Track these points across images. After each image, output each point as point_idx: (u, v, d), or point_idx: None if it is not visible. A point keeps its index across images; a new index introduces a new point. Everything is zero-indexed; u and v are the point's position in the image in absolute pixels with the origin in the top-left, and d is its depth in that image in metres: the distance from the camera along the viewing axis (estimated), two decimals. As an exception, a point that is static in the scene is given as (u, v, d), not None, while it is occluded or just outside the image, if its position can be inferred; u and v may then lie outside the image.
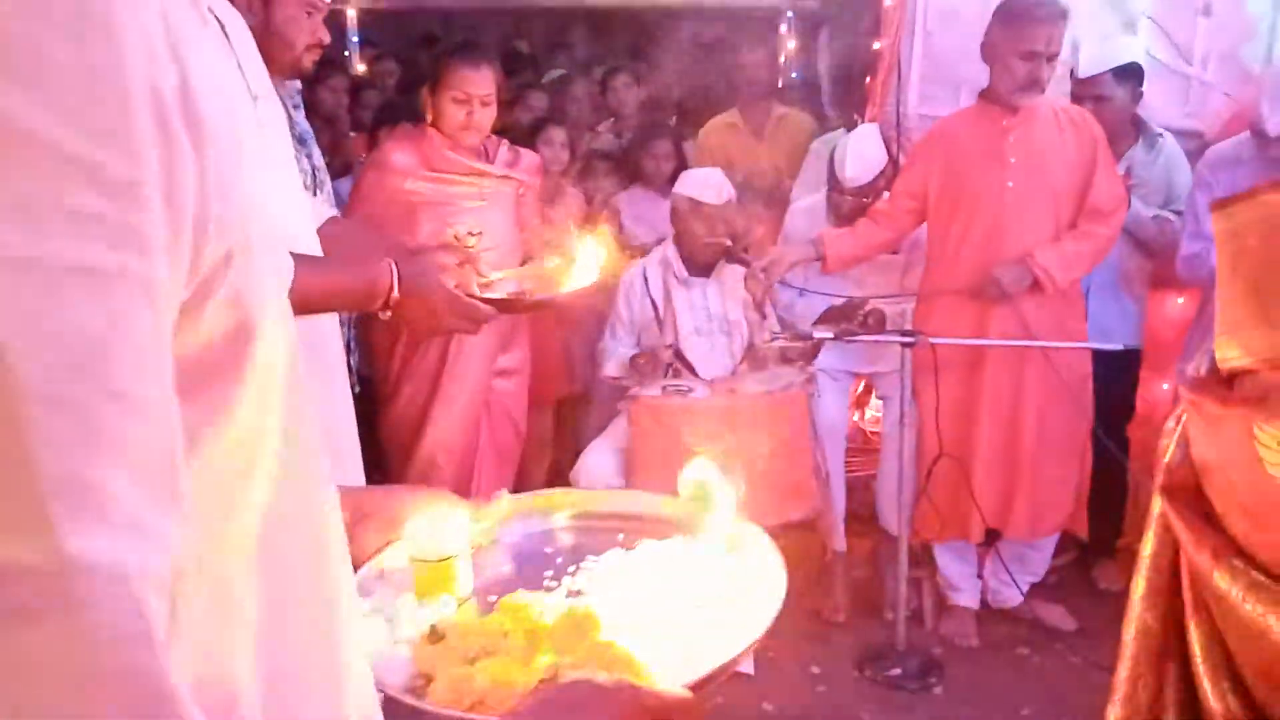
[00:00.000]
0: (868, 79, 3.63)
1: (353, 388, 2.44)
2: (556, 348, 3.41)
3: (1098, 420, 2.96)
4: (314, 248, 1.69)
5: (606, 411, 3.24)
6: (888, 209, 3.08)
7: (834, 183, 3.22)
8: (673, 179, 3.36)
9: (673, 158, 3.68)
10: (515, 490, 1.15)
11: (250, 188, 0.52)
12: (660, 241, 3.28)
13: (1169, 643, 0.72)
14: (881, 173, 3.17)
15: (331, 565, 0.61)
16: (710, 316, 3.14)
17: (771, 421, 2.91)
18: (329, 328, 2.11)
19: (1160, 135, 3.21)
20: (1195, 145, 3.27)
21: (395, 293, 1.37)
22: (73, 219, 0.40)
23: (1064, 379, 2.85)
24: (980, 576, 3.17)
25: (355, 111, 4.49)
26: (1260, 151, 2.81)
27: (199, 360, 0.48)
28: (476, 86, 2.73)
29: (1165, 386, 3.31)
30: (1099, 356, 2.94)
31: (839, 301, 3.18)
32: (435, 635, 0.89)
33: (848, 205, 3.18)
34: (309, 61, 2.06)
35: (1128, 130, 3.17)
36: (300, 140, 2.57)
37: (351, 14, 6.27)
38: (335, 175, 3.30)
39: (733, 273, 3.12)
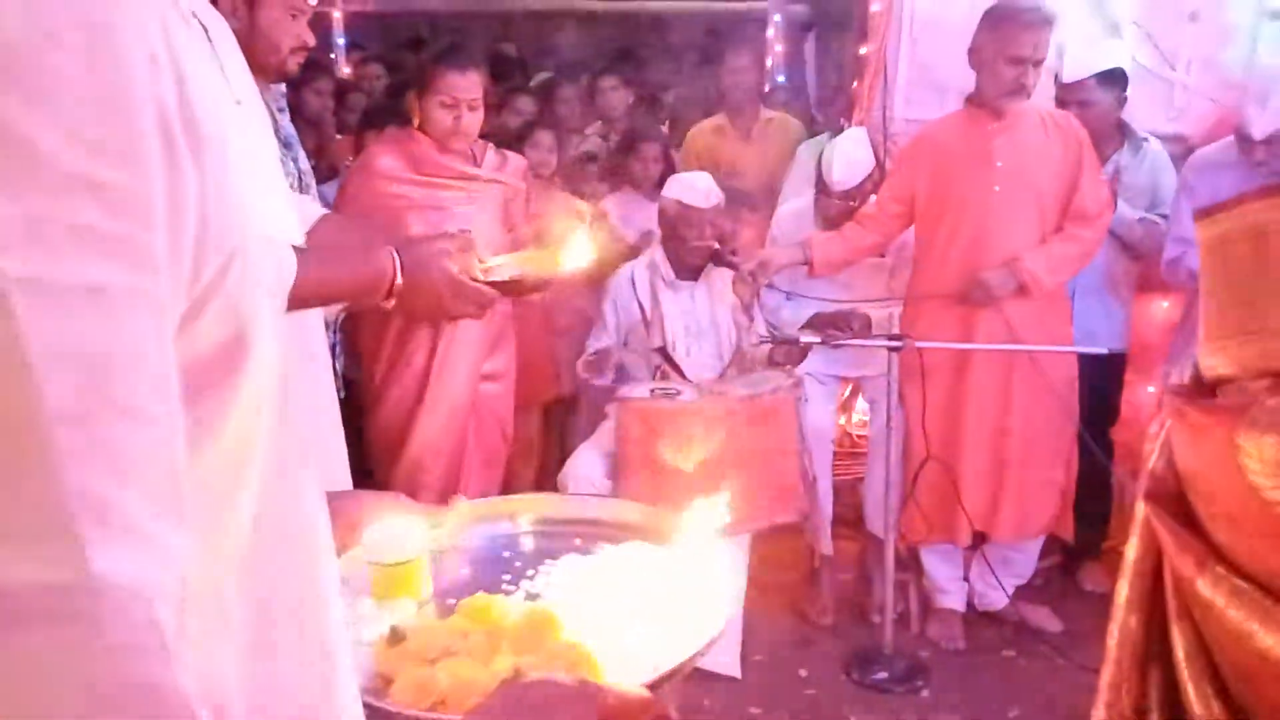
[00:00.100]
0: (855, 83, 3.64)
1: (338, 391, 2.44)
2: (544, 351, 3.40)
3: (1083, 423, 2.97)
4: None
5: (594, 414, 3.24)
6: (874, 213, 3.08)
7: (821, 186, 3.22)
8: (661, 182, 3.37)
9: (661, 160, 3.69)
10: (503, 494, 1.15)
11: (243, 194, 0.52)
12: (645, 234, 3.28)
13: (1153, 646, 0.72)
14: (869, 176, 3.18)
15: (321, 574, 0.61)
16: (698, 320, 3.14)
17: (759, 425, 2.91)
18: (315, 331, 2.10)
19: (1145, 139, 3.24)
20: (1179, 150, 3.30)
21: (399, 280, 1.35)
22: (82, 238, 0.41)
23: (1050, 382, 2.86)
24: (966, 579, 3.18)
25: (340, 115, 4.47)
26: (1244, 156, 2.84)
27: (195, 370, 0.48)
28: (463, 90, 2.73)
29: (1150, 390, 3.33)
30: (1084, 360, 2.96)
31: (826, 305, 3.19)
32: (396, 637, 0.90)
33: (835, 209, 3.18)
34: (294, 64, 2.05)
35: (1112, 134, 3.19)
36: (285, 144, 2.56)
37: (337, 16, 6.25)
38: (321, 179, 3.29)
39: (721, 276, 3.12)
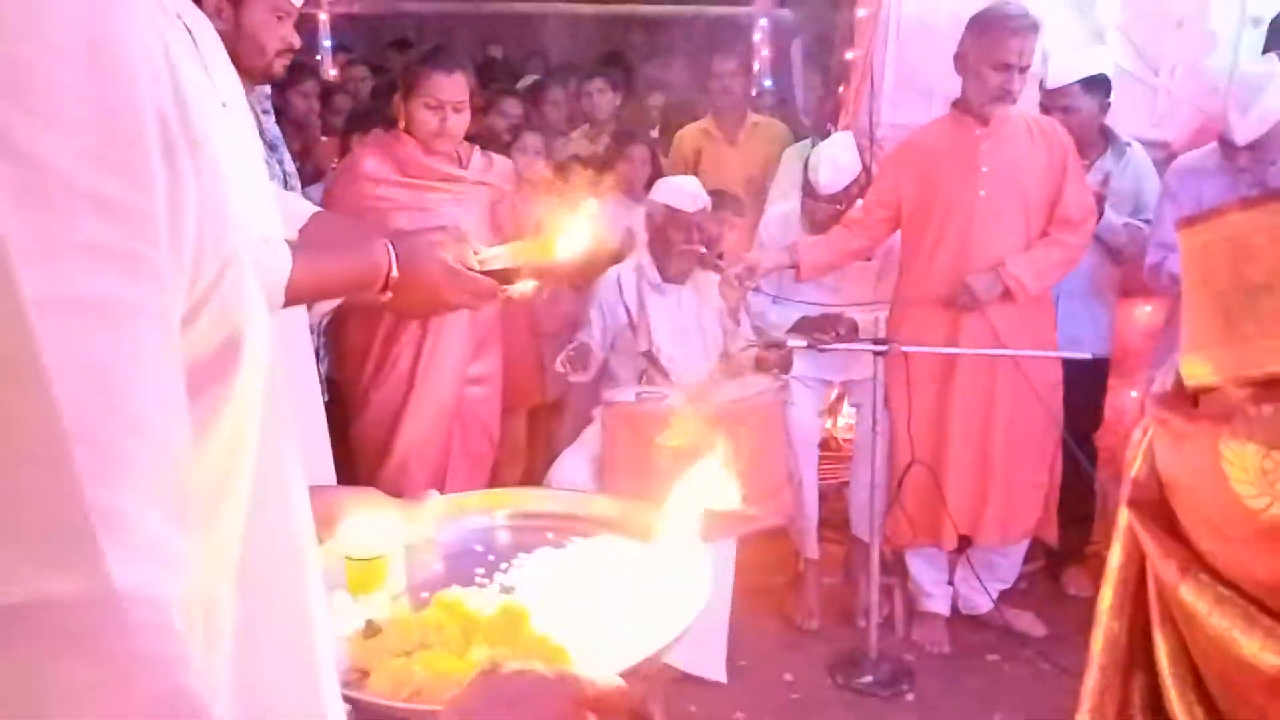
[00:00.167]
0: (841, 88, 3.65)
1: (322, 394, 2.43)
2: (530, 355, 3.40)
3: (1066, 427, 2.99)
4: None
5: (581, 418, 3.23)
6: (861, 217, 3.09)
7: (808, 190, 3.23)
8: (648, 185, 3.37)
9: (649, 164, 3.69)
10: None
11: (235, 198, 0.52)
12: (626, 233, 3.28)
13: (1136, 653, 0.73)
14: (855, 181, 3.19)
15: (307, 577, 0.62)
16: (684, 323, 3.14)
17: (745, 428, 2.91)
18: (299, 333, 2.09)
19: (1128, 145, 3.25)
20: (1162, 156, 3.32)
21: (394, 273, 1.34)
22: (89, 253, 0.41)
23: (1034, 387, 2.87)
24: (951, 583, 3.18)
25: (326, 117, 4.46)
26: (1227, 162, 2.86)
27: (190, 373, 0.48)
28: (449, 93, 2.72)
29: (1133, 394, 3.35)
30: (1068, 364, 2.97)
31: (813, 309, 3.19)
32: (371, 630, 0.91)
33: (821, 213, 3.19)
34: (279, 67, 2.05)
35: (1096, 140, 3.21)
36: (271, 146, 2.55)
37: (324, 18, 6.22)
38: (307, 181, 3.28)
39: (707, 280, 3.12)
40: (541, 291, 1.66)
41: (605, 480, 2.82)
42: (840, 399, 3.83)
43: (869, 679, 2.88)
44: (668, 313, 3.13)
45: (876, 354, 2.84)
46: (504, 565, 1.03)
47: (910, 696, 2.86)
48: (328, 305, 2.58)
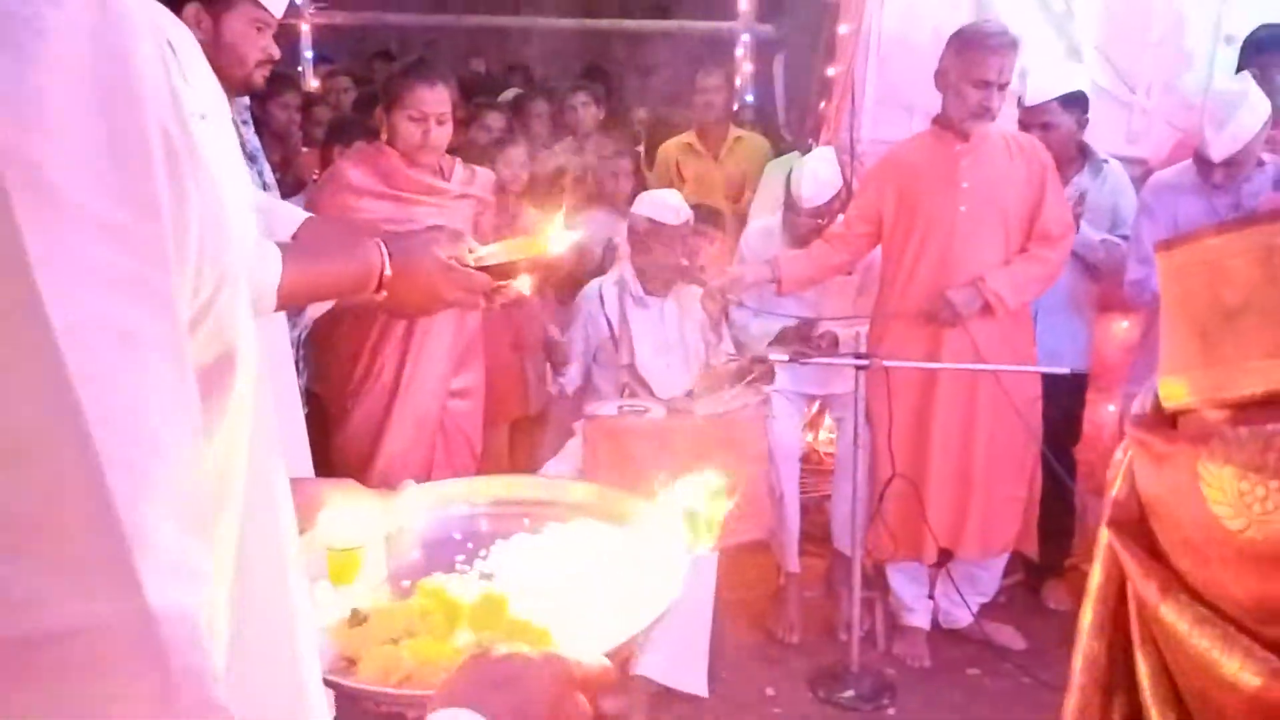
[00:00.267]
0: (823, 103, 3.68)
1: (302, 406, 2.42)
2: (512, 368, 3.39)
3: (1046, 442, 3.01)
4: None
5: (562, 431, 3.23)
6: (842, 232, 3.11)
7: (790, 204, 3.25)
8: (631, 199, 3.37)
9: (632, 177, 3.70)
10: None
11: (229, 213, 0.52)
12: (609, 246, 3.29)
13: (1117, 673, 0.73)
14: (836, 195, 3.21)
15: (290, 587, 0.63)
16: (666, 336, 3.14)
17: (726, 441, 2.92)
18: (280, 345, 2.08)
19: (1105, 161, 3.29)
20: (1138, 172, 3.36)
21: (387, 271, 1.33)
22: (106, 280, 0.42)
23: (1014, 401, 2.89)
24: (931, 597, 3.19)
25: (307, 128, 4.44)
26: (1202, 178, 2.89)
27: None
28: (432, 104, 2.72)
29: (1111, 409, 3.38)
30: (1047, 379, 2.99)
31: (793, 323, 3.20)
32: (357, 619, 0.92)
33: (803, 227, 3.21)
34: (259, 77, 2.04)
35: (1074, 156, 3.24)
36: (250, 158, 2.54)
37: (306, 29, 6.21)
38: (287, 192, 3.26)
39: (689, 293, 3.13)
40: (532, 294, 1.66)
41: (587, 494, 2.81)
42: (821, 412, 3.85)
43: (850, 693, 2.88)
44: (650, 326, 3.13)
45: (858, 368, 2.85)
46: (482, 552, 1.04)
47: (891, 711, 2.86)
48: (318, 311, 2.58)
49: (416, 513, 1.12)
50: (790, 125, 4.15)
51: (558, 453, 3.06)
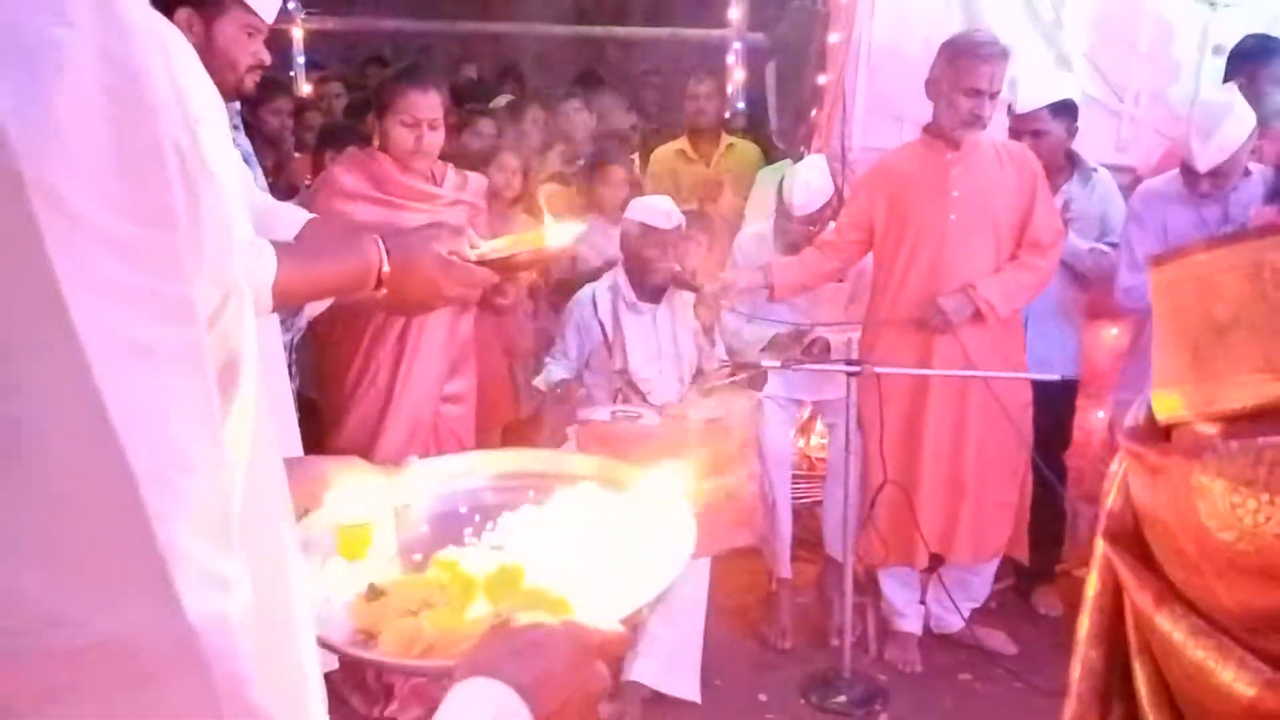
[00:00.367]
0: (814, 111, 3.69)
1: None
2: (504, 374, 3.39)
3: (1036, 448, 3.02)
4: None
5: (555, 436, 3.23)
6: (833, 239, 3.13)
7: (782, 211, 3.26)
8: (624, 205, 3.38)
9: (625, 184, 3.70)
10: None
11: (237, 217, 0.53)
12: (609, 266, 3.29)
13: (1114, 681, 0.74)
14: (828, 203, 3.22)
15: (290, 590, 0.64)
16: (659, 342, 3.15)
17: (719, 447, 2.92)
18: (273, 350, 2.08)
19: (1094, 170, 3.31)
20: (1127, 181, 3.38)
21: (386, 268, 1.33)
22: (135, 301, 0.43)
23: (1005, 407, 2.91)
24: (923, 602, 3.20)
25: (299, 133, 4.44)
26: (1190, 188, 2.91)
27: None
28: (424, 110, 2.72)
29: (1101, 415, 3.40)
30: (1038, 385, 3.01)
31: (785, 329, 3.21)
32: (375, 593, 0.93)
33: (795, 234, 3.22)
34: (250, 83, 2.05)
35: (1063, 165, 3.26)
36: (242, 161, 2.54)
37: (298, 35, 6.21)
38: (280, 198, 3.25)
39: (682, 299, 3.13)
40: (524, 299, 1.65)
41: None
42: (813, 418, 3.86)
43: (843, 699, 2.89)
44: (643, 331, 3.14)
45: (850, 374, 2.86)
46: (490, 525, 1.04)
47: (883, 716, 2.87)
48: (311, 314, 2.57)
49: (422, 487, 1.13)
50: (782, 133, 4.16)
51: (550, 459, 3.06)
